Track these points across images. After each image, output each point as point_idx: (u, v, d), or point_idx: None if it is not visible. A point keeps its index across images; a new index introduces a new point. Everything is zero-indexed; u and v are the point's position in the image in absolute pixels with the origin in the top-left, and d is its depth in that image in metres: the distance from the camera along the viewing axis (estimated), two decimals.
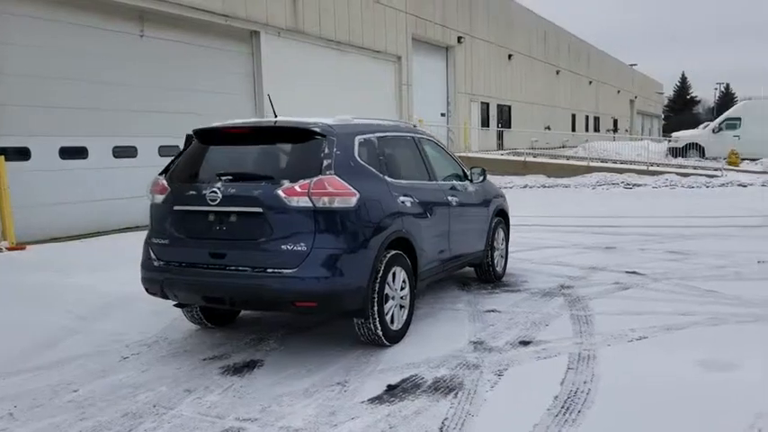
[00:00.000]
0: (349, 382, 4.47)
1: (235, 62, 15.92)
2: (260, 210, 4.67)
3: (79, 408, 4.17)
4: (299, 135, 4.97)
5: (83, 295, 6.98)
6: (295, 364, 4.87)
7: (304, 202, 4.60)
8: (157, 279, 5.03)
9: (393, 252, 5.09)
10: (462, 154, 23.38)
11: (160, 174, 5.27)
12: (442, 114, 25.63)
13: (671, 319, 5.73)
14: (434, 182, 6.17)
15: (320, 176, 4.67)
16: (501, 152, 27.48)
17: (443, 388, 4.30)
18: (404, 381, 4.45)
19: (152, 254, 5.10)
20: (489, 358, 4.84)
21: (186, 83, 14.25)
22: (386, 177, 5.29)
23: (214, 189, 4.77)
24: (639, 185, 19.72)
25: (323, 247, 4.58)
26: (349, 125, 5.29)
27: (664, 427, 3.68)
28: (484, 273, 7.29)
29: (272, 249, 4.63)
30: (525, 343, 5.18)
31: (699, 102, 79.33)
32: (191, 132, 7.04)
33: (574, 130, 39.22)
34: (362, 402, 4.12)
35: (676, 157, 27.50)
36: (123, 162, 12.93)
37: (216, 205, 4.77)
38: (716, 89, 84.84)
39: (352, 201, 4.71)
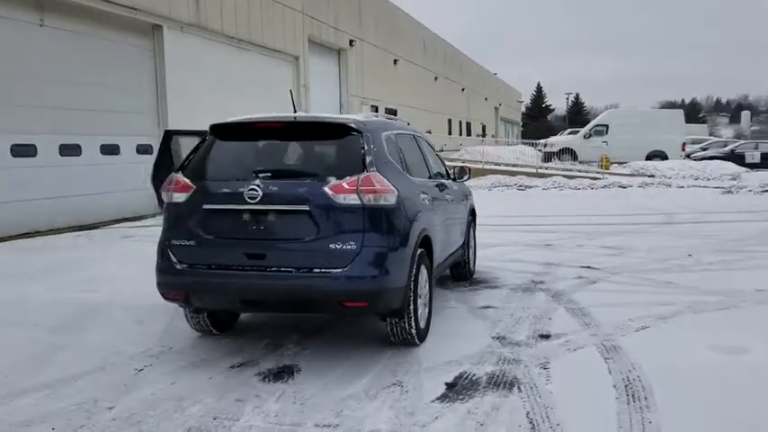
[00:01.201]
0: (404, 382, 4.39)
1: (137, 56, 15.10)
2: (306, 208, 4.48)
3: (132, 425, 3.80)
4: (336, 131, 4.83)
5: (45, 305, 6.38)
6: (333, 367, 4.71)
7: (352, 199, 4.48)
8: (182, 284, 4.68)
9: (420, 250, 5.07)
10: None
11: (176, 171, 4.91)
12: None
13: (655, 309, 6.11)
14: (433, 180, 6.20)
15: (366, 173, 4.56)
16: None
17: (502, 383, 4.34)
18: (458, 378, 4.44)
19: (173, 257, 4.73)
20: (524, 353, 4.93)
21: (87, 77, 13.36)
22: (407, 174, 5.26)
23: (253, 187, 4.52)
24: (531, 187, 20.80)
25: (372, 245, 4.48)
26: (375, 122, 5.22)
27: (731, 405, 3.93)
28: (460, 270, 7.40)
29: (318, 249, 4.45)
30: (545, 336, 5.33)
31: (553, 110, 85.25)
32: (169, 128, 6.66)
33: (450, 134, 40.56)
34: (433, 402, 4.07)
35: (550, 160, 29.26)
36: (19, 162, 11.93)
37: (256, 203, 4.51)
38: (567, 98, 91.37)
39: (394, 198, 4.65)
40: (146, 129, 15.30)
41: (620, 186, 20.24)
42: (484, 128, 51.94)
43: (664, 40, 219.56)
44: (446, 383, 4.36)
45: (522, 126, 74.61)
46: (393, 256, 4.55)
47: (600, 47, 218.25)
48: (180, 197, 4.76)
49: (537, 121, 74.11)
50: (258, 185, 4.52)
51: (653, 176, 23.42)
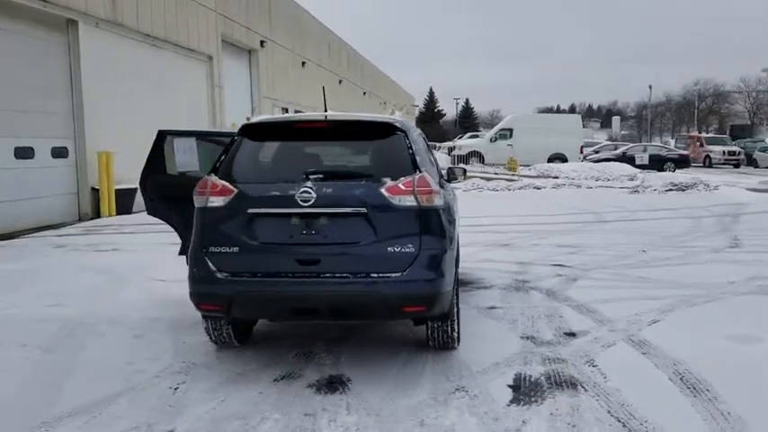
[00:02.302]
0: (466, 387, 4.30)
1: (52, 54, 14.06)
2: (364, 210, 4.29)
3: None
4: (380, 130, 4.67)
5: (17, 323, 5.80)
6: (381, 374, 4.55)
7: (409, 201, 4.34)
8: (224, 294, 4.35)
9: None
10: None
11: (209, 174, 4.57)
12: (248, 118, 24.93)
13: (650, 303, 6.34)
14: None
15: (420, 174, 4.44)
16: None
17: (563, 383, 4.34)
18: (518, 380, 4.40)
19: (211, 265, 4.39)
20: (562, 351, 4.97)
21: None
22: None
23: (306, 189, 4.27)
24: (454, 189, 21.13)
25: (428, 247, 4.36)
26: (405, 120, 5.09)
27: None
28: None
29: (376, 252, 4.28)
30: (571, 334, 5.39)
31: (444, 115, 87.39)
32: (162, 129, 6.24)
33: None
34: (509, 405, 4.01)
35: (459, 163, 29.91)
36: None
37: (309, 207, 4.27)
38: (456, 103, 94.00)
39: (442, 200, 4.55)
40: (61, 131, 14.27)
41: (534, 188, 20.97)
42: None
43: (539, 49, 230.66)
44: (509, 386, 4.32)
45: None
46: (446, 259, 4.46)
47: (484, 56, 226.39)
48: (219, 201, 4.43)
49: (430, 125, 75.66)
50: (311, 188, 4.28)
51: (557, 177, 24.43)
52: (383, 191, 4.32)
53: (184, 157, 6.02)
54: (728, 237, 10.81)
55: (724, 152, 39.61)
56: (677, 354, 4.81)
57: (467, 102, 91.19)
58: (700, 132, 59.07)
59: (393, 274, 4.26)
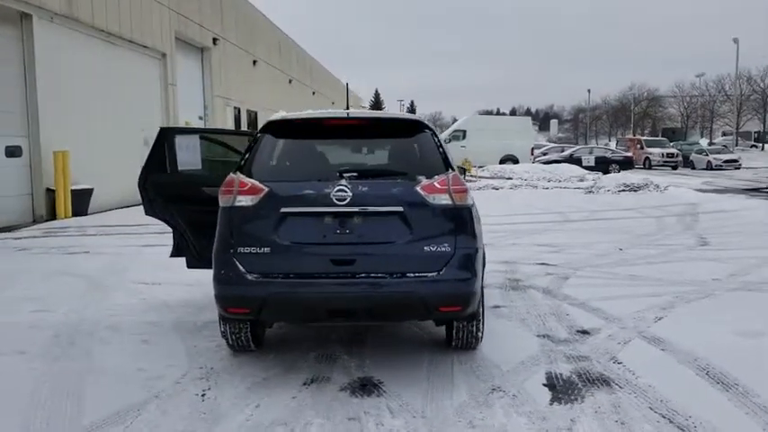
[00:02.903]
0: (502, 387, 4.27)
1: (5, 48, 13.43)
2: (400, 209, 4.22)
3: None
4: (409, 128, 4.62)
5: (8, 330, 5.51)
6: (412, 375, 4.48)
7: (444, 199, 4.29)
8: (254, 296, 4.20)
9: None
10: None
11: (234, 172, 4.41)
12: (200, 118, 24.43)
13: (649, 300, 6.46)
14: None
15: (453, 172, 4.40)
16: None
17: (596, 381, 4.36)
18: (551, 379, 4.40)
19: (240, 267, 4.24)
20: (583, 349, 4.99)
21: None
22: None
23: (341, 187, 4.17)
24: None
25: (463, 247, 4.32)
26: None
27: None
28: None
29: (412, 252, 4.22)
30: (585, 332, 5.43)
31: None
32: (164, 126, 6.00)
33: None
34: (552, 404, 4.00)
35: None
36: None
37: (345, 206, 4.17)
38: (401, 105, 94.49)
39: (471, 198, 4.53)
40: (14, 129, 13.64)
41: (493, 188, 21.22)
42: None
43: (480, 53, 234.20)
44: (544, 384, 4.32)
45: None
46: (478, 258, 4.43)
47: (426, 59, 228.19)
48: (247, 200, 4.28)
49: None
50: (346, 186, 4.19)
51: (511, 178, 24.80)
52: (419, 189, 4.26)
53: (187, 156, 5.81)
54: (695, 235, 11.15)
55: (663, 154, 40.99)
56: (693, 349, 4.90)
57: (411, 104, 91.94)
58: (635, 135, 61.01)
59: (429, 274, 4.21)
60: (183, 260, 6.23)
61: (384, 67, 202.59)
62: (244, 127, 28.86)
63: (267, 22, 33.23)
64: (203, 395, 4.20)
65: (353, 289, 4.17)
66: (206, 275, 6.88)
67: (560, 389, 4.23)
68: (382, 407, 3.98)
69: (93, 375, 4.54)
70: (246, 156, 4.49)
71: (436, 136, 4.60)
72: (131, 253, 9.77)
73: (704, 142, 47.43)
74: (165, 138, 5.77)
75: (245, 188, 4.29)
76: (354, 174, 4.26)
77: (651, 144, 43.56)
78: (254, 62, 30.31)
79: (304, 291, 4.19)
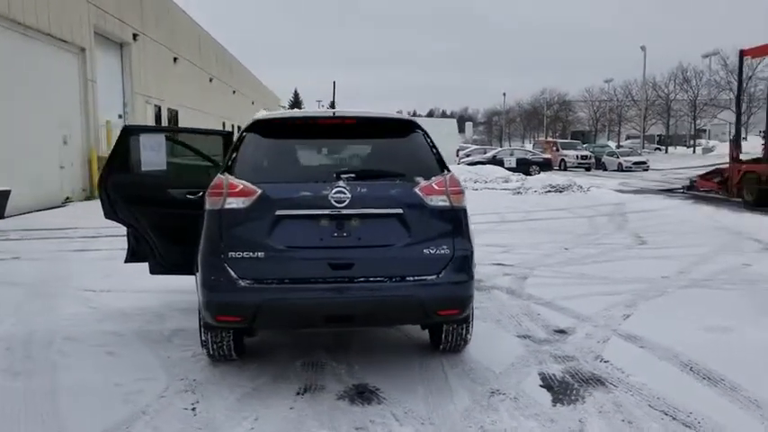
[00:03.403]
0: (500, 390, 4.23)
1: None
2: (400, 211, 4.12)
3: None
4: (401, 128, 4.51)
5: None
6: (407, 381, 4.38)
7: (441, 201, 4.22)
8: (248, 303, 3.99)
9: None
10: None
11: (222, 173, 4.18)
12: (120, 116, 23.40)
13: (610, 298, 6.60)
14: None
15: (449, 173, 4.33)
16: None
17: (590, 380, 4.39)
18: (545, 380, 4.40)
19: (232, 272, 4.01)
20: (566, 349, 5.03)
21: None
22: None
23: (340, 189, 4.03)
24: None
25: (460, 248, 4.27)
26: None
27: None
28: None
29: (411, 255, 4.12)
30: (561, 332, 5.48)
31: None
32: (128, 125, 5.67)
33: None
34: (555, 406, 3.99)
35: None
36: None
37: (343, 208, 4.03)
38: (320, 105, 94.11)
39: (465, 200, 4.48)
40: None
41: None
42: None
43: (395, 55, 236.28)
44: (541, 386, 4.32)
45: None
46: (473, 260, 4.39)
47: (344, 60, 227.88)
48: (239, 202, 4.06)
49: None
50: (344, 188, 4.04)
51: None
52: (417, 191, 4.17)
53: (151, 156, 5.50)
54: (630, 234, 11.56)
55: (577, 156, 42.45)
56: (670, 346, 5.03)
57: (332, 104, 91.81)
58: (547, 137, 63.09)
59: (429, 277, 4.13)
60: (126, 267, 5.94)
61: (303, 67, 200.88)
62: (164, 125, 27.93)
63: (187, 18, 32.26)
64: (193, 409, 3.96)
65: (352, 294, 4.03)
66: (155, 282, 6.65)
67: (558, 390, 4.24)
68: (387, 415, 3.86)
69: (64, 392, 4.20)
70: (234, 155, 4.26)
71: (428, 136, 4.52)
72: (66, 258, 9.20)
73: (612, 145, 49.51)
74: (129, 137, 5.44)
75: (236, 190, 4.07)
76: (352, 175, 4.12)
77: (566, 146, 45.05)
78: (175, 59, 29.33)
79: (301, 296, 4.01)
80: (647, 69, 47.82)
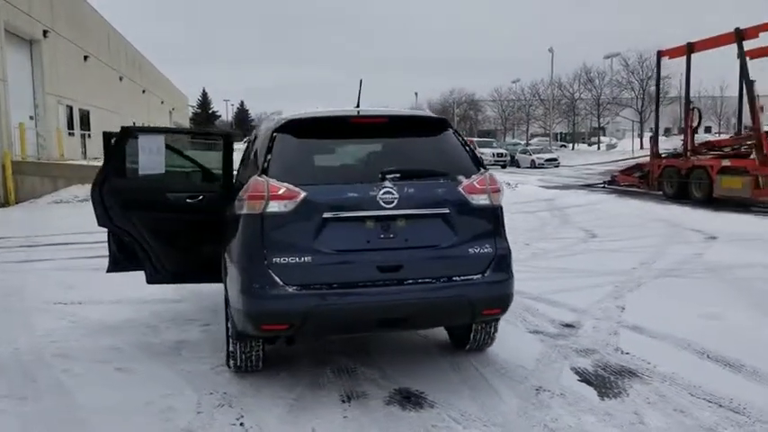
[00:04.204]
0: (544, 386, 4.26)
1: None
2: (446, 210, 4.06)
3: None
4: (434, 126, 4.45)
5: None
6: (448, 382, 4.34)
7: (483, 199, 4.20)
8: (297, 310, 3.82)
9: None
10: (59, 162, 20.78)
11: (260, 175, 3.97)
12: (31, 117, 22.05)
13: (596, 291, 6.76)
14: None
15: (488, 172, 4.31)
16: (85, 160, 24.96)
17: (622, 373, 4.49)
18: (581, 374, 4.47)
19: (277, 278, 3.83)
20: (583, 342, 5.13)
21: None
22: None
23: (388, 189, 3.93)
24: None
25: (501, 247, 4.27)
26: None
27: None
28: None
29: (457, 255, 4.08)
30: (569, 326, 5.59)
31: (220, 116, 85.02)
32: (126, 126, 5.38)
33: None
34: (604, 400, 4.05)
35: None
36: None
37: (392, 208, 3.93)
38: (227, 104, 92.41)
39: (502, 198, 4.47)
40: None
41: None
42: None
43: (308, 53, 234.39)
44: (579, 381, 4.37)
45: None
46: (511, 257, 4.39)
47: (253, 58, 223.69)
48: (282, 206, 3.88)
49: (206, 126, 73.11)
50: (392, 188, 3.95)
51: None
52: (461, 190, 4.13)
53: (150, 159, 5.18)
54: (578, 229, 11.92)
55: (493, 154, 43.50)
56: (677, 335, 5.22)
57: (242, 104, 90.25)
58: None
59: (475, 277, 4.10)
60: (88, 278, 5.61)
61: (210, 66, 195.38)
62: (77, 127, 26.55)
63: (97, 15, 30.79)
64: (242, 424, 3.77)
65: (404, 297, 3.95)
66: (127, 293, 6.34)
67: (598, 384, 4.31)
68: (445, 418, 3.81)
69: (89, 414, 3.90)
70: (268, 157, 4.07)
71: (460, 134, 4.49)
72: (16, 270, 8.56)
73: (522, 143, 51.06)
74: (127, 139, 5.11)
75: (279, 193, 3.89)
76: (397, 175, 4.03)
77: (482, 145, 46.06)
78: (86, 58, 27.93)
79: (352, 301, 3.88)
80: (554, 70, 49.63)
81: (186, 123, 68.22)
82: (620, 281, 7.32)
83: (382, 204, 3.93)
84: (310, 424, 3.74)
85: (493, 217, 4.25)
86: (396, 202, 3.94)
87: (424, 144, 4.37)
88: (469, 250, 4.10)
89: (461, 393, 4.17)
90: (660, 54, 18.88)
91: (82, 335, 5.49)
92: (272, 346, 4.65)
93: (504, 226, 4.36)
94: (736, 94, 17.75)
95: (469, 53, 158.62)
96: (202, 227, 5.24)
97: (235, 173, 5.25)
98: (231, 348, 4.32)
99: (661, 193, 17.92)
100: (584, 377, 4.42)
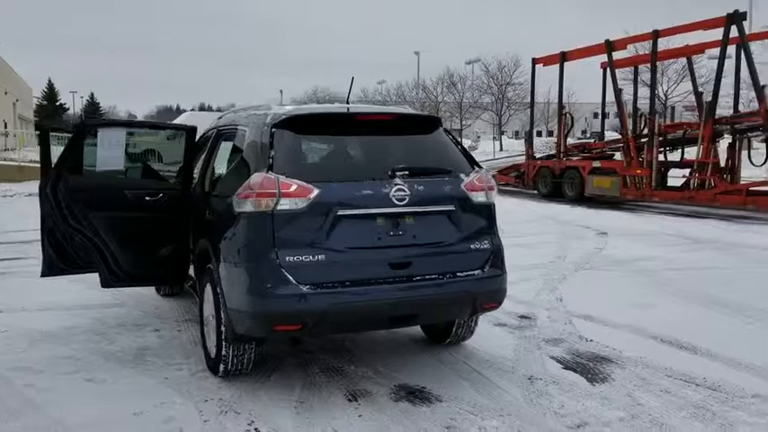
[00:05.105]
0: (535, 375, 4.43)
1: None
2: (452, 208, 4.12)
3: None
4: (429, 125, 4.51)
5: None
6: (441, 377, 4.40)
7: (482, 196, 4.31)
8: (313, 309, 3.73)
9: None
10: None
11: (266, 171, 3.82)
12: None
13: (529, 284, 7.06)
14: None
15: (484, 169, 4.42)
16: None
17: (598, 359, 4.74)
18: (562, 362, 4.68)
19: (291, 278, 3.71)
20: (547, 333, 5.38)
21: None
22: None
23: (400, 186, 3.92)
24: None
25: (497, 243, 4.42)
26: None
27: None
28: None
29: (460, 251, 4.16)
30: (526, 317, 5.82)
31: (68, 108, 79.01)
32: (86, 119, 4.93)
33: None
34: (594, 385, 4.28)
35: None
36: None
37: (403, 206, 3.93)
38: (81, 98, 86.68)
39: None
40: None
41: None
42: (5, 125, 45.50)
43: (154, 47, 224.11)
44: (564, 369, 4.59)
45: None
46: (503, 254, 4.53)
47: (97, 49, 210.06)
48: (294, 203, 3.76)
49: (53, 119, 67.89)
50: (403, 185, 3.95)
51: None
52: (463, 187, 4.21)
53: (109, 153, 4.82)
54: None
55: None
56: (623, 321, 5.63)
57: (92, 96, 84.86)
58: None
59: (476, 272, 4.19)
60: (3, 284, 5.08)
61: (55, 56, 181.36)
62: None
63: None
64: (256, 429, 3.62)
65: (415, 293, 3.97)
66: (52, 298, 5.92)
67: (581, 371, 4.54)
68: (460, 411, 3.86)
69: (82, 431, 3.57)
70: (270, 153, 3.92)
71: (450, 133, 4.57)
72: None
73: None
74: (86, 134, 4.73)
75: (291, 190, 3.77)
76: (406, 172, 4.03)
77: None
78: None
79: (366, 299, 3.84)
80: (421, 74, 51.17)
81: (31, 116, 63.17)
82: (546, 274, 7.72)
83: (395, 201, 3.92)
84: (329, 425, 3.67)
85: (489, 214, 4.37)
86: (407, 199, 3.95)
87: (423, 142, 4.41)
88: (471, 246, 4.20)
89: (461, 386, 4.25)
90: (535, 61, 20.00)
91: (26, 345, 5.00)
92: (260, 348, 4.49)
93: (496, 222, 4.49)
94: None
95: (337, 55, 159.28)
96: (164, 226, 4.98)
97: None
98: (224, 352, 4.12)
99: (536, 192, 19.01)
100: (566, 365, 4.64)
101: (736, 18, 13.98)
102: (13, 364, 4.56)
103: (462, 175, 4.26)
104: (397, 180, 3.97)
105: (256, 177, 3.85)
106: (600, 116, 21.26)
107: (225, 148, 4.89)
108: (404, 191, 3.95)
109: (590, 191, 17.10)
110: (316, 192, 3.80)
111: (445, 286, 4.06)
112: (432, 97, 57.53)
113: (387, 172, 3.99)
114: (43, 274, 5.18)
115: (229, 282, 3.95)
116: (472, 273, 4.17)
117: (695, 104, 17.59)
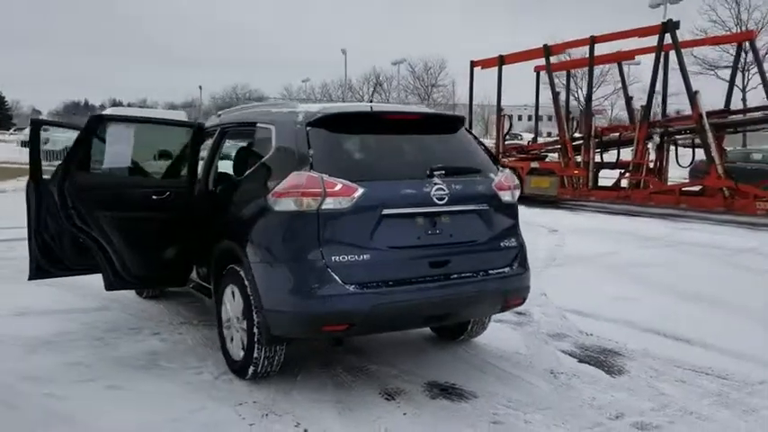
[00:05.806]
0: (556, 369, 4.55)
1: None
2: (485, 207, 4.19)
3: None
4: (454, 124, 4.57)
5: None
6: (468, 374, 4.45)
7: (508, 195, 4.41)
8: (360, 309, 3.71)
9: None
10: None
11: (307, 170, 3.76)
12: None
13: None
14: None
15: (506, 169, 4.51)
16: None
17: (607, 352, 4.93)
18: (575, 356, 4.83)
19: (336, 278, 3.68)
20: (548, 328, 5.52)
21: None
22: None
23: (440, 186, 3.96)
24: None
25: (522, 241, 4.54)
26: None
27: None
28: None
29: (491, 249, 4.25)
30: (522, 314, 5.92)
31: None
32: (99, 113, 4.69)
33: None
34: (614, 377, 4.44)
35: None
36: None
37: (443, 204, 3.96)
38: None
39: None
40: None
41: None
42: None
43: (52, 38, 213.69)
44: (579, 362, 4.74)
45: None
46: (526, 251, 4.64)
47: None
48: (339, 202, 3.73)
49: None
50: (442, 184, 3.99)
51: None
52: (493, 186, 4.29)
53: (117, 150, 4.63)
54: None
55: None
56: (613, 315, 5.88)
57: None
58: None
59: (505, 270, 4.29)
60: None
61: None
62: None
63: None
64: (305, 430, 3.58)
65: (454, 291, 4.02)
66: (31, 300, 5.71)
67: (596, 364, 4.69)
68: (497, 406, 3.93)
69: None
70: (310, 152, 3.87)
71: (471, 132, 4.65)
72: None
73: None
74: (96, 128, 4.52)
75: (336, 189, 3.73)
76: (442, 171, 4.06)
77: None
78: None
79: (408, 298, 3.85)
80: (348, 74, 51.12)
81: None
82: None
83: (435, 201, 3.96)
84: (378, 423, 3.66)
85: (514, 213, 4.48)
86: (447, 198, 4.00)
87: (450, 141, 4.46)
88: (500, 244, 4.29)
89: (488, 381, 4.33)
90: (473, 64, 20.37)
91: (23, 353, 4.73)
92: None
93: (518, 219, 4.59)
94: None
95: (259, 52, 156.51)
96: (172, 225, 4.83)
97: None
98: (256, 354, 4.04)
99: None
100: (580, 358, 4.80)
101: (670, 27, 14.74)
102: (22, 374, 4.30)
103: (492, 175, 4.34)
104: (436, 179, 4.01)
105: (298, 176, 3.79)
106: (534, 119, 21.94)
107: (238, 146, 4.78)
108: (443, 190, 3.99)
109: (528, 190, 17.54)
110: (360, 191, 3.79)
111: (479, 284, 4.13)
112: (358, 97, 57.68)
113: (425, 171, 4.02)
114: (30, 277, 4.92)
115: (267, 282, 3.86)
116: (502, 270, 4.26)
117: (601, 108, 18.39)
